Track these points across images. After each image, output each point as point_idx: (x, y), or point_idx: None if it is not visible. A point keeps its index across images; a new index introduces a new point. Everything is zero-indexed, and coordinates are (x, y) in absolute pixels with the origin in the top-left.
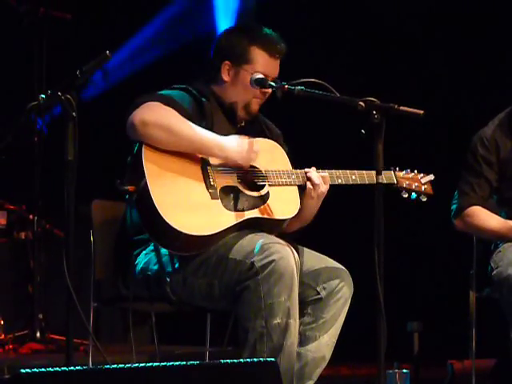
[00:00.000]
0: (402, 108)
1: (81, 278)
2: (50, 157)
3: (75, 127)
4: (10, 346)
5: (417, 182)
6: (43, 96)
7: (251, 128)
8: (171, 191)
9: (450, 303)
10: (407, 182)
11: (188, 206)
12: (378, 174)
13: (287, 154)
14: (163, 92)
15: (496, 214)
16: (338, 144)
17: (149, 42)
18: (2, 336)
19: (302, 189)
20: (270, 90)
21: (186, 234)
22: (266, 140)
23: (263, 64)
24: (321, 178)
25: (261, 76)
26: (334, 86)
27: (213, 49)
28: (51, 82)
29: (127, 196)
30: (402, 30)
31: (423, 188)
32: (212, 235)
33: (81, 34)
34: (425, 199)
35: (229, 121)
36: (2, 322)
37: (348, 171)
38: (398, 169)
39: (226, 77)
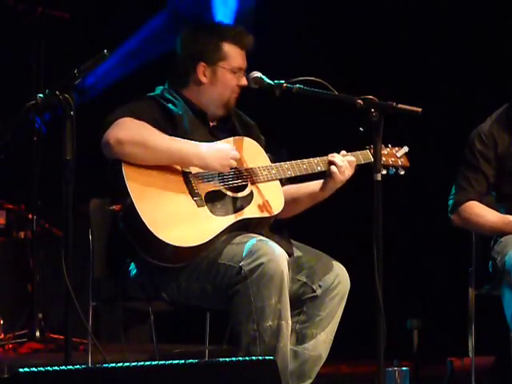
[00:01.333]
0: (400, 106)
1: (80, 277)
2: (48, 156)
3: (73, 126)
4: (10, 346)
5: (392, 156)
6: (41, 95)
7: (223, 126)
8: (157, 205)
9: (449, 300)
10: (383, 159)
11: (176, 217)
12: (377, 172)
13: (263, 144)
14: (129, 105)
15: (495, 210)
16: (336, 142)
17: (147, 42)
18: (2, 335)
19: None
20: (245, 82)
21: (176, 247)
22: (243, 138)
23: (237, 58)
24: (346, 162)
25: (259, 75)
26: (333, 85)
27: (181, 53)
28: (49, 81)
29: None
30: (400, 26)
31: (400, 162)
32: (202, 244)
33: (79, 34)
34: (402, 172)
35: (200, 122)
36: (2, 322)
37: (325, 157)
38: (372, 146)
39: (203, 78)
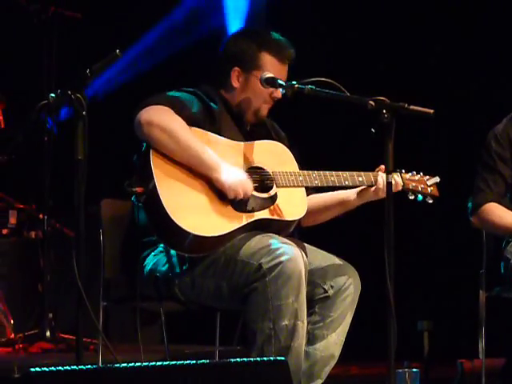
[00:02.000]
0: (412, 107)
1: (90, 277)
2: (60, 156)
3: (85, 126)
4: (20, 346)
5: (423, 183)
6: (53, 95)
7: (258, 131)
8: (180, 193)
9: (460, 302)
10: (413, 184)
11: (197, 207)
12: (388, 173)
13: (294, 156)
14: (172, 94)
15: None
16: (348, 143)
17: (159, 42)
18: (12, 335)
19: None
20: (279, 95)
21: (195, 235)
22: (274, 142)
23: (273, 70)
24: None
25: (271, 75)
26: (344, 86)
27: (221, 54)
28: (61, 81)
29: (134, 198)
30: (412, 29)
31: (429, 190)
32: (221, 236)
33: (91, 33)
34: (431, 201)
35: (236, 125)
36: (12, 322)
37: (354, 173)
38: (403, 171)
39: (235, 83)
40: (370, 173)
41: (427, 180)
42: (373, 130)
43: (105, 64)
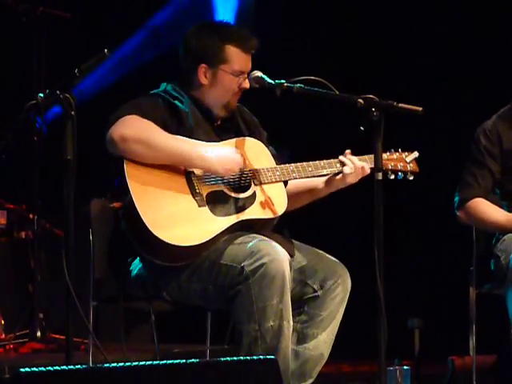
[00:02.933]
0: (400, 105)
1: (80, 277)
2: (49, 156)
3: (74, 126)
4: (11, 346)
5: (401, 161)
6: (42, 95)
7: (228, 125)
8: (157, 204)
9: (450, 299)
10: (392, 164)
11: (176, 216)
12: (378, 171)
13: (266, 143)
14: (136, 101)
15: (499, 207)
16: (337, 141)
17: (147, 41)
18: (3, 336)
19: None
20: (248, 85)
21: (175, 246)
22: (246, 139)
23: (239, 61)
24: (359, 169)
25: (259, 74)
26: (333, 84)
27: (183, 52)
28: (50, 81)
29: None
30: (401, 24)
31: (409, 167)
32: (202, 244)
33: (80, 33)
34: (411, 177)
35: (207, 121)
36: (3, 322)
37: (332, 160)
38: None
39: (203, 80)
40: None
41: (406, 157)
42: (361, 128)
43: (93, 64)
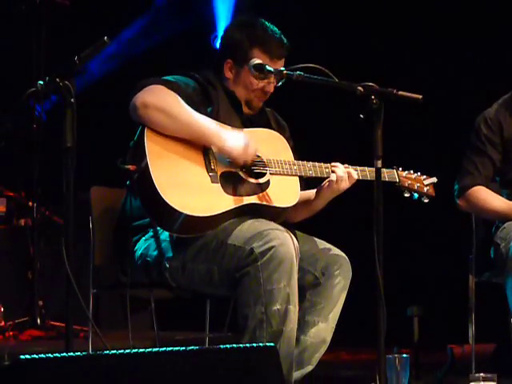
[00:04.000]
0: (400, 93)
1: (80, 265)
2: (49, 143)
3: (74, 114)
4: (11, 333)
5: (419, 182)
6: (41, 82)
7: (256, 119)
8: (172, 172)
9: (449, 288)
10: (409, 182)
11: (188, 187)
12: (377, 159)
13: (292, 148)
14: (168, 77)
15: (499, 195)
16: (337, 130)
17: (147, 29)
18: (2, 323)
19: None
20: (271, 89)
21: (185, 215)
22: (271, 131)
23: None
24: (346, 174)
25: (259, 61)
26: (333, 72)
27: (220, 42)
28: (49, 68)
29: (128, 181)
30: (400, 12)
31: (425, 189)
32: (211, 217)
33: (79, 20)
34: (426, 200)
35: (234, 109)
36: (2, 309)
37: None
38: (400, 168)
39: (228, 74)
40: (366, 168)
41: (424, 180)
42: (361, 116)
43: (93, 51)
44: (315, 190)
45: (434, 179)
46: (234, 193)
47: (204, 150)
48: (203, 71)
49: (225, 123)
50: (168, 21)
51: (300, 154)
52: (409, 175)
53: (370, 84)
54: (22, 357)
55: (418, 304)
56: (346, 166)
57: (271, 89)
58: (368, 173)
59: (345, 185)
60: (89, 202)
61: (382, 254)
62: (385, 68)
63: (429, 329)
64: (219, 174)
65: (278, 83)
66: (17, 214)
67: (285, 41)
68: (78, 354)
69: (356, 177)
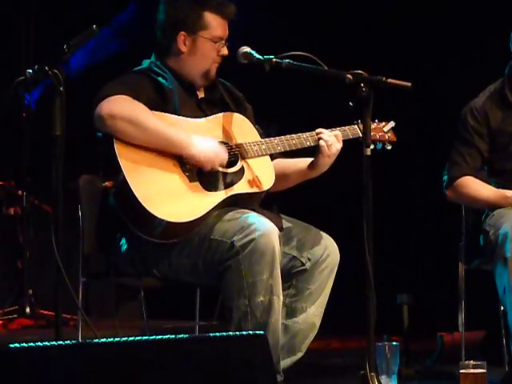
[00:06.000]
0: (389, 80)
1: (70, 253)
2: (38, 132)
3: (63, 102)
4: (0, 322)
5: (379, 131)
6: (30, 71)
7: (211, 97)
8: (150, 181)
9: (439, 275)
10: (371, 133)
11: (168, 193)
12: (367, 146)
13: (250, 114)
14: (124, 79)
15: (487, 183)
16: (326, 117)
17: (136, 18)
18: None
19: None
20: (226, 52)
21: (169, 222)
22: (233, 114)
23: (218, 27)
24: (333, 137)
25: (248, 50)
26: (322, 60)
27: (162, 21)
28: (39, 57)
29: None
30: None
31: (387, 136)
32: (195, 220)
33: (68, 9)
34: (390, 147)
35: (188, 94)
36: None
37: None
38: (360, 121)
39: (183, 47)
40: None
41: (383, 127)
42: (351, 104)
43: (82, 39)
44: (311, 159)
45: (392, 123)
46: (214, 187)
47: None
48: (149, 62)
49: (183, 112)
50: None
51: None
52: None
53: (359, 72)
54: (11, 345)
55: (408, 292)
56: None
57: (225, 51)
58: (349, 131)
59: (336, 147)
60: (78, 190)
61: (372, 241)
62: (374, 56)
63: (419, 316)
64: (195, 171)
65: (268, 70)
66: (6, 203)
67: (229, 1)
68: (68, 342)
69: (343, 136)
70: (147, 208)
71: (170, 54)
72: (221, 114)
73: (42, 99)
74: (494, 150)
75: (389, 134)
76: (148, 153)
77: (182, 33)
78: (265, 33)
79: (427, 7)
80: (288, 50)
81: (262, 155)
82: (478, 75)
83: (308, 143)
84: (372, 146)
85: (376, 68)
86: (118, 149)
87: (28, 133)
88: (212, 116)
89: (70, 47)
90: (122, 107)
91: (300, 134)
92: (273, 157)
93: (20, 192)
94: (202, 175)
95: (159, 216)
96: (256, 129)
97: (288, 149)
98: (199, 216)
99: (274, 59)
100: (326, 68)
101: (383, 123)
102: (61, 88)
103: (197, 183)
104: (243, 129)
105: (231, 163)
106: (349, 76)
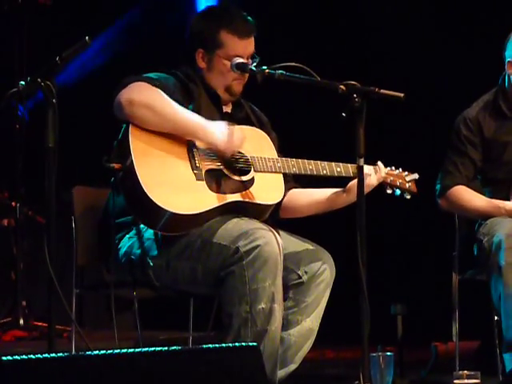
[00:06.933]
0: (382, 91)
1: (63, 265)
2: (32, 143)
3: (55, 114)
4: None
5: (401, 179)
6: (23, 83)
7: (237, 113)
8: (157, 170)
9: (433, 286)
10: (391, 178)
11: (173, 185)
12: (360, 157)
13: (275, 140)
14: (149, 74)
15: (480, 193)
16: (319, 128)
17: (130, 27)
18: None
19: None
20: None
21: (170, 213)
22: (254, 128)
23: (234, 46)
24: (371, 170)
25: (240, 60)
26: (315, 70)
27: (187, 36)
28: (31, 68)
29: (112, 179)
30: (381, 12)
31: (407, 185)
32: (196, 215)
33: (61, 20)
34: (409, 197)
35: (214, 106)
36: None
37: (333, 163)
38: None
39: (201, 64)
40: (349, 164)
41: (406, 176)
42: (343, 114)
43: (74, 51)
44: (341, 191)
45: (416, 175)
46: (219, 190)
47: (188, 147)
48: (182, 67)
49: (206, 118)
50: (150, 20)
51: (285, 150)
52: (391, 171)
53: (352, 82)
54: (3, 358)
55: (402, 302)
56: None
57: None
58: (350, 169)
59: (372, 181)
60: (71, 201)
61: (366, 252)
62: (367, 67)
63: (413, 327)
64: (204, 171)
65: (260, 81)
66: (0, 214)
67: (249, 18)
68: (61, 354)
69: (383, 174)
70: (148, 194)
71: (195, 67)
72: (243, 126)
73: (37, 109)
74: (487, 160)
75: (409, 184)
76: (161, 143)
77: (200, 50)
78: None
79: (422, 15)
80: (281, 61)
81: (276, 172)
82: (471, 85)
83: (324, 172)
84: (390, 191)
85: (368, 79)
86: (133, 133)
87: (21, 144)
88: (237, 126)
89: (63, 59)
90: (139, 93)
91: (319, 162)
92: (285, 179)
93: (14, 203)
94: (210, 177)
95: (160, 204)
96: (276, 150)
97: (303, 173)
98: (199, 212)
99: (267, 70)
100: (319, 79)
101: (406, 172)
102: (53, 100)
103: (203, 182)
104: (262, 144)
105: (243, 172)
106: (341, 87)
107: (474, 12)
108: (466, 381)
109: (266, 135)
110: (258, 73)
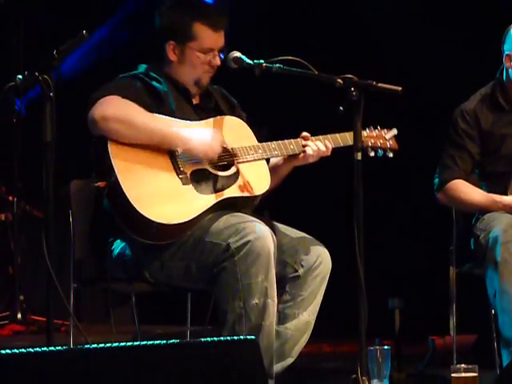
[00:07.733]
0: (380, 85)
1: (61, 259)
2: (29, 138)
3: (53, 108)
4: None
5: (381, 138)
6: (20, 77)
7: (206, 104)
8: (142, 183)
9: (430, 279)
10: (372, 141)
11: (160, 195)
12: (357, 151)
13: (246, 120)
14: (114, 83)
15: (478, 187)
16: (317, 121)
17: (126, 21)
18: None
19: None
20: (218, 62)
21: (161, 224)
22: (231, 118)
23: (207, 39)
24: (321, 147)
25: (238, 54)
26: (313, 64)
27: (155, 28)
28: (28, 62)
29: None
30: (378, 5)
31: (388, 144)
32: (187, 222)
33: (58, 14)
34: (391, 155)
35: (184, 100)
36: None
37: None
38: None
39: (172, 57)
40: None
41: (385, 134)
42: (341, 108)
43: (72, 45)
44: (282, 158)
45: (395, 131)
46: (207, 190)
47: (169, 153)
48: (142, 67)
49: (178, 115)
50: (145, 14)
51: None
52: (370, 134)
53: (350, 76)
54: (2, 352)
55: (399, 296)
56: (316, 137)
57: (218, 62)
58: (340, 138)
59: (312, 160)
60: (68, 195)
61: (363, 245)
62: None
63: (410, 320)
64: (189, 174)
65: (258, 75)
66: None
67: (222, 10)
68: (59, 348)
69: (324, 148)
70: (138, 209)
71: (164, 61)
72: (219, 117)
73: (34, 104)
74: (485, 153)
75: (390, 142)
76: (142, 154)
77: (172, 42)
78: (254, 38)
79: (419, 12)
80: (278, 55)
81: (258, 159)
82: (469, 78)
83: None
84: (373, 154)
85: (366, 72)
86: (112, 149)
87: (18, 138)
88: (208, 120)
89: (60, 53)
90: (113, 108)
91: (298, 140)
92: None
93: (11, 198)
94: (196, 178)
95: (150, 217)
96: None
97: (285, 154)
98: (191, 218)
99: (265, 64)
100: (316, 72)
101: (385, 130)
102: (51, 94)
103: (190, 186)
104: (240, 133)
105: (227, 166)
106: (339, 80)
107: (473, 5)
108: (463, 374)
109: (244, 123)
110: (256, 66)
